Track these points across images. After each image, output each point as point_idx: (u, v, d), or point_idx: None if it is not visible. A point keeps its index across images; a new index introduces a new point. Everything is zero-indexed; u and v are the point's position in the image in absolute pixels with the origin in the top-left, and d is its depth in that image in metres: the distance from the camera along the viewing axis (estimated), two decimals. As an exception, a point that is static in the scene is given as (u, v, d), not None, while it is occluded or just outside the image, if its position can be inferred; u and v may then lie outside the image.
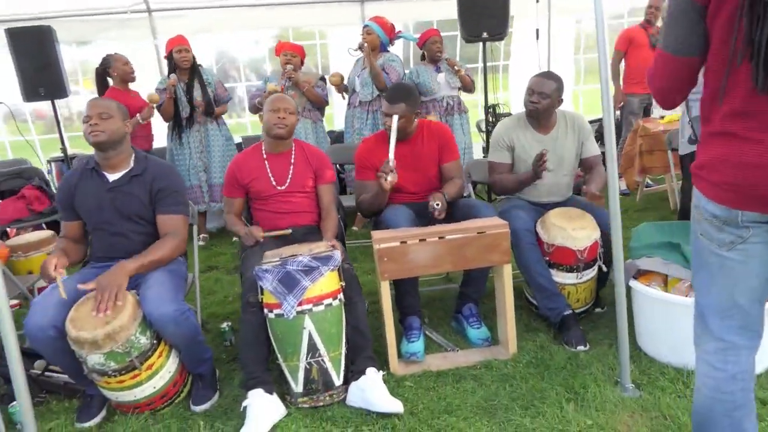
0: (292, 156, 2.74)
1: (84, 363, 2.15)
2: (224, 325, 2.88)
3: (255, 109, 4.61)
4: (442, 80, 4.66)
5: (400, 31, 4.65)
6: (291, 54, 4.43)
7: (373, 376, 2.25)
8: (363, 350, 2.33)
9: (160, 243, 2.34)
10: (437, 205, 2.60)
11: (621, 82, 5.41)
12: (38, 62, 4.41)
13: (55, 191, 4.55)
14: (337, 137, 5.47)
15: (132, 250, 2.35)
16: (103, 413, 2.35)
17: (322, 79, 4.68)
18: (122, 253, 2.37)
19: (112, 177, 2.39)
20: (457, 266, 2.49)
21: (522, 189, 2.92)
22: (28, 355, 2.65)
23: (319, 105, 4.59)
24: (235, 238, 4.26)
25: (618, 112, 5.53)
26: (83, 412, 2.32)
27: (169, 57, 4.23)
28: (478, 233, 2.43)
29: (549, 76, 2.83)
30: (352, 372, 2.30)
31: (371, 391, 2.19)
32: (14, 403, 2.29)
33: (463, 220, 2.56)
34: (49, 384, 2.51)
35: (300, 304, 2.16)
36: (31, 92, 4.48)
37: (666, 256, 2.43)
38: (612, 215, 2.08)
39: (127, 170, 2.40)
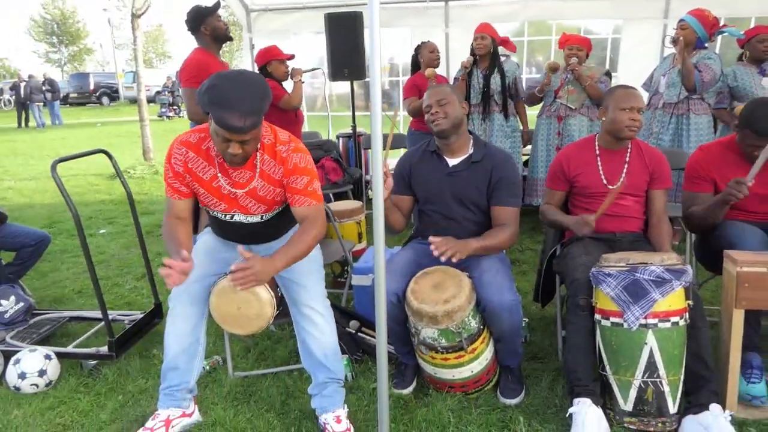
0: (628, 154, 2.54)
1: (416, 334, 2.25)
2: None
3: (532, 99, 4.48)
4: None
5: (725, 25, 4.10)
6: (577, 47, 4.21)
7: (718, 413, 1.98)
8: (707, 383, 2.06)
9: (496, 231, 2.34)
10: None
11: None
12: (346, 45, 4.84)
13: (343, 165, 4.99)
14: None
15: (459, 235, 2.39)
16: (415, 383, 2.46)
17: (608, 74, 4.37)
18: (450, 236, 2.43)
19: (452, 162, 2.45)
20: (839, 308, 2.08)
21: None
22: (343, 314, 2.90)
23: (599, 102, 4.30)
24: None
25: None
26: (399, 379, 2.45)
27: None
28: None
29: None
30: (690, 404, 2.06)
31: (715, 431, 1.94)
32: (345, 356, 2.50)
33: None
34: (364, 344, 2.71)
35: (645, 317, 1.98)
36: (337, 72, 4.95)
37: None
38: None
39: (466, 156, 2.44)
